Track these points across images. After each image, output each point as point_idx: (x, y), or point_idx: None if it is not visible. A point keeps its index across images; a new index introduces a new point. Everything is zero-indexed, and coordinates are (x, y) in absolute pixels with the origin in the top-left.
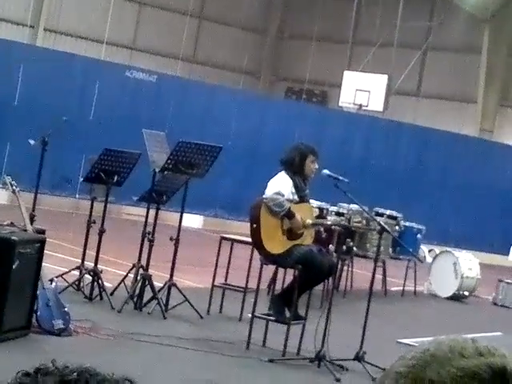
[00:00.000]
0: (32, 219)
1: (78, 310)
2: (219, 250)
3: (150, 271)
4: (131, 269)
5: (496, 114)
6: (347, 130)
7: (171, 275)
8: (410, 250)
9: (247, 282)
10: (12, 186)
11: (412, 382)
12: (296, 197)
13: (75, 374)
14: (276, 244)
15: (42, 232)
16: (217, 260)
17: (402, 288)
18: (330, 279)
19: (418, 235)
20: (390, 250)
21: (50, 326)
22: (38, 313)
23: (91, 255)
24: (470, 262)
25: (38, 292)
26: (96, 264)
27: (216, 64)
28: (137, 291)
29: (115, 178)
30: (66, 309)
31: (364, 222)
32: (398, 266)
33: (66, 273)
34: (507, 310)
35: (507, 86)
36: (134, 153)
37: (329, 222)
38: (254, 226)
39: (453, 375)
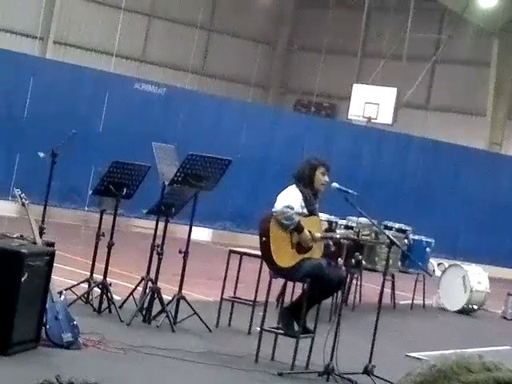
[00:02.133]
0: (41, 232)
1: (87, 323)
2: (228, 263)
3: (159, 284)
4: (140, 282)
5: (505, 126)
6: (356, 143)
7: (180, 288)
8: (419, 263)
9: (256, 295)
10: (21, 198)
11: None
12: (305, 210)
13: None
14: (285, 257)
15: (52, 245)
16: (226, 273)
17: (410, 301)
18: (339, 293)
19: (427, 249)
20: (399, 263)
21: (59, 339)
22: (47, 326)
23: (100, 268)
24: (479, 276)
25: (47, 305)
26: (105, 277)
27: (225, 76)
28: (146, 304)
29: (124, 190)
30: (74, 322)
31: (373, 235)
32: (406, 279)
33: (75, 285)
34: None
35: None
36: (143, 165)
37: (338, 236)
38: (264, 239)
39: None
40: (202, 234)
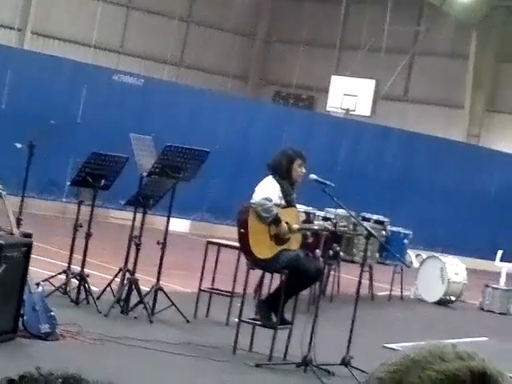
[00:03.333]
0: (19, 223)
1: (65, 314)
2: (206, 255)
3: (137, 275)
4: (118, 273)
5: (483, 119)
6: (334, 135)
7: (158, 279)
8: (397, 254)
9: (234, 286)
10: None
11: None
12: (283, 201)
13: (60, 380)
14: (264, 249)
15: (29, 236)
16: (203, 264)
17: (388, 293)
18: (317, 284)
19: (405, 240)
20: (377, 254)
21: (37, 330)
22: (25, 317)
23: (78, 259)
24: (456, 267)
25: (24, 296)
26: (83, 268)
27: (203, 68)
28: (123, 295)
29: (102, 181)
30: (52, 313)
31: (351, 226)
32: (384, 270)
33: (53, 277)
34: (493, 315)
35: (494, 91)
36: (121, 156)
37: (315, 227)
38: (242, 230)
39: (434, 378)
40: (180, 225)
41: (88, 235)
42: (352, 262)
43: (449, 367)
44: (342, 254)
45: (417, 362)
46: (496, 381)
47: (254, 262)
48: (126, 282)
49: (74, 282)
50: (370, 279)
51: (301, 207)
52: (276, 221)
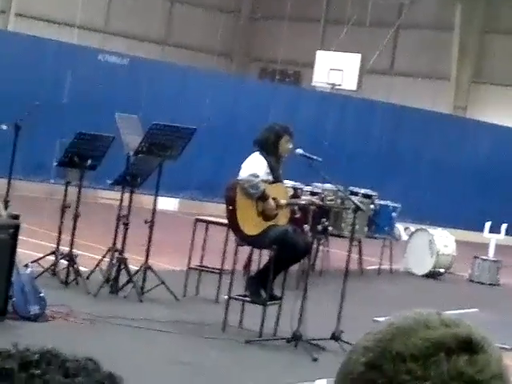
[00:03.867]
0: (6, 205)
1: (54, 295)
2: (194, 232)
3: (126, 255)
4: (106, 253)
5: (469, 91)
6: (321, 110)
7: (147, 258)
8: (386, 228)
9: (223, 263)
10: None
11: (379, 355)
12: (270, 177)
13: (37, 356)
14: (252, 225)
15: (16, 217)
16: (192, 242)
17: (378, 267)
18: (306, 259)
19: (394, 213)
20: (366, 228)
21: (26, 311)
22: (14, 299)
23: (66, 240)
24: (445, 240)
25: (12, 278)
26: (71, 249)
27: (189, 46)
28: (112, 275)
29: (89, 161)
30: (41, 294)
31: (339, 201)
32: (373, 244)
33: (41, 258)
34: (483, 286)
35: (480, 62)
36: (107, 136)
37: (303, 202)
38: (230, 207)
39: (419, 345)
40: (168, 203)
41: (76, 216)
42: (340, 236)
43: (434, 334)
44: (330, 228)
45: (402, 329)
46: (482, 347)
47: (243, 239)
48: (114, 261)
49: (63, 262)
50: (359, 253)
51: (288, 182)
52: (263, 197)
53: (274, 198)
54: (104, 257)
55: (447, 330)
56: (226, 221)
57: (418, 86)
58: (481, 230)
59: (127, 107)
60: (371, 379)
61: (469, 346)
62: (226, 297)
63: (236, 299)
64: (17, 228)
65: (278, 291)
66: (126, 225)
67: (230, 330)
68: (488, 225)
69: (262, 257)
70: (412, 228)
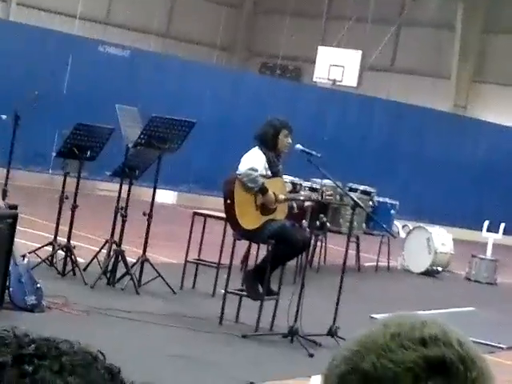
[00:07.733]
0: (4, 195)
1: (51, 286)
2: (192, 226)
3: (123, 247)
4: (104, 244)
5: (469, 89)
6: (321, 106)
7: (144, 251)
8: (384, 225)
9: (220, 257)
10: None
11: (350, 370)
12: (269, 172)
13: (33, 346)
14: (250, 219)
15: (15, 207)
16: (190, 235)
17: (375, 263)
18: (304, 254)
19: (392, 211)
20: (364, 225)
21: (23, 302)
22: (11, 289)
23: (64, 231)
24: (443, 238)
25: (10, 268)
26: (69, 240)
27: (190, 39)
28: (110, 267)
29: (88, 152)
30: (38, 285)
31: (337, 197)
32: (371, 241)
33: (39, 248)
34: (480, 285)
35: (481, 61)
36: (106, 128)
37: (301, 197)
38: (228, 201)
39: (387, 369)
40: (166, 196)
41: (74, 207)
42: (339, 232)
43: (405, 358)
44: (328, 224)
45: (376, 345)
46: (456, 369)
47: (241, 233)
48: (112, 253)
49: (61, 253)
50: (357, 250)
51: (287, 178)
52: (263, 190)
53: (272, 193)
54: (102, 248)
55: (421, 351)
56: (224, 215)
57: (418, 83)
58: (479, 228)
59: (127, 99)
60: None
61: (441, 370)
62: (223, 291)
63: (233, 293)
64: (15, 218)
65: (275, 286)
66: (124, 217)
67: (226, 324)
68: (486, 224)
69: (260, 251)
70: (410, 225)
